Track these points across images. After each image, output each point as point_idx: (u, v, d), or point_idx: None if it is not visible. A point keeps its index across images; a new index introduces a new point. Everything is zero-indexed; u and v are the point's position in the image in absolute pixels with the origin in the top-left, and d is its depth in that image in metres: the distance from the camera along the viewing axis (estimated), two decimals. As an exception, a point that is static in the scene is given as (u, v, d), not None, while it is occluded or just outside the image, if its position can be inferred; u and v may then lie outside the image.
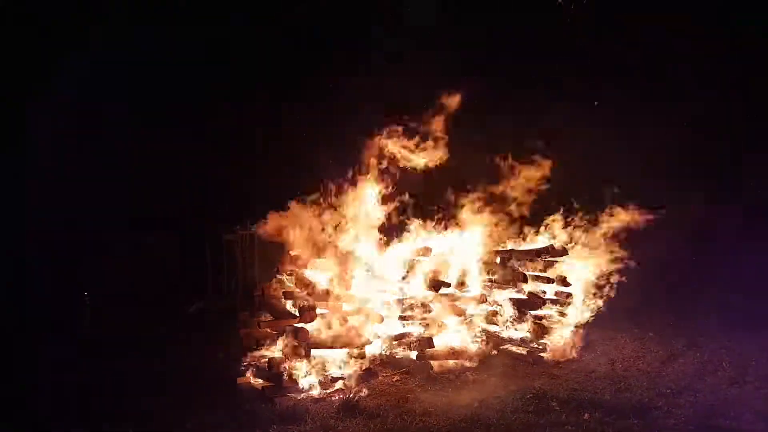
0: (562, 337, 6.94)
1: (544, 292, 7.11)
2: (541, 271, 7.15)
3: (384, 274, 6.80)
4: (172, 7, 9.58)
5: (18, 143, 8.62)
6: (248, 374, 6.08)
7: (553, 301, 7.06)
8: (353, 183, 6.92)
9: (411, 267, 6.85)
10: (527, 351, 6.75)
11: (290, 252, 6.69)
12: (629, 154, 9.21)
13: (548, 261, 7.10)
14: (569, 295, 7.06)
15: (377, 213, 6.96)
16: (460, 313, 6.75)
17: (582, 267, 7.28)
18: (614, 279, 7.13)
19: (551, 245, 7.15)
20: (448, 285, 6.76)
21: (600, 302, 7.13)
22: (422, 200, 7.67)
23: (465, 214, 7.32)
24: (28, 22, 8.93)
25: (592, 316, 7.15)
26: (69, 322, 7.96)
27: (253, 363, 6.13)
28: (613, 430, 4.77)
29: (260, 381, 5.96)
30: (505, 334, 6.96)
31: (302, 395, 5.76)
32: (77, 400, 5.65)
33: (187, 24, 9.56)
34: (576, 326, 7.07)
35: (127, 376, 6.16)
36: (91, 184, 8.97)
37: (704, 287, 8.67)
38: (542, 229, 7.48)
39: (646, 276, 7.78)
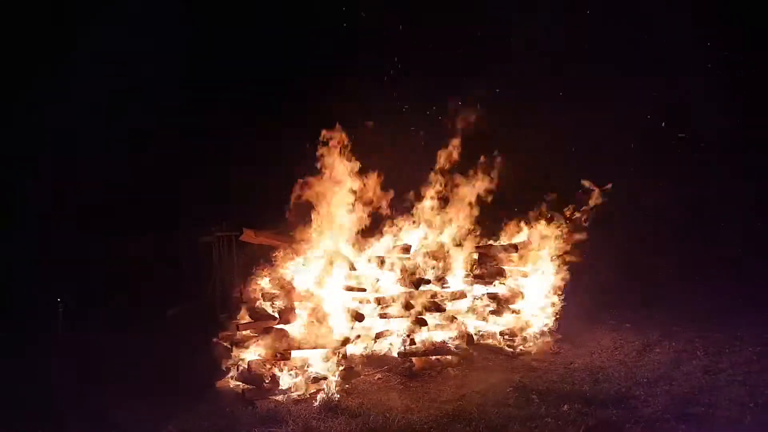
0: (540, 330, 7.02)
1: (522, 287, 7.19)
2: (517, 265, 7.23)
3: (364, 273, 6.78)
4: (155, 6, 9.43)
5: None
6: (228, 377, 6.02)
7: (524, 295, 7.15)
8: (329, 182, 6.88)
9: (390, 265, 6.84)
10: (507, 344, 6.82)
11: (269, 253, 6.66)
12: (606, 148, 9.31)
13: (524, 255, 7.19)
14: (546, 288, 7.14)
15: (355, 212, 6.94)
16: (440, 309, 6.77)
17: (558, 261, 7.40)
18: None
19: (528, 239, 7.23)
20: (428, 282, 6.78)
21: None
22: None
23: (443, 210, 7.35)
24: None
25: (568, 309, 7.25)
26: (45, 325, 7.80)
27: (232, 366, 6.07)
28: (592, 420, 4.83)
29: (240, 384, 5.91)
30: (485, 329, 7.01)
31: (283, 397, 5.72)
32: (54, 404, 5.55)
33: (169, 23, 9.42)
34: (554, 319, 7.15)
35: (104, 380, 6.05)
36: (67, 186, 8.81)
37: (677, 278, 8.83)
38: (519, 225, 7.57)
39: (621, 268, 7.91)
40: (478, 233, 7.50)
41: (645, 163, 9.60)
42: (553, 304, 7.30)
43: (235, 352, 6.13)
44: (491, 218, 7.64)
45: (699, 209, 9.43)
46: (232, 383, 5.97)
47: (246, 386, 5.80)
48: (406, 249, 6.90)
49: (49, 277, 8.33)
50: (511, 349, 6.80)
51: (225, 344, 6.19)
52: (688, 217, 9.46)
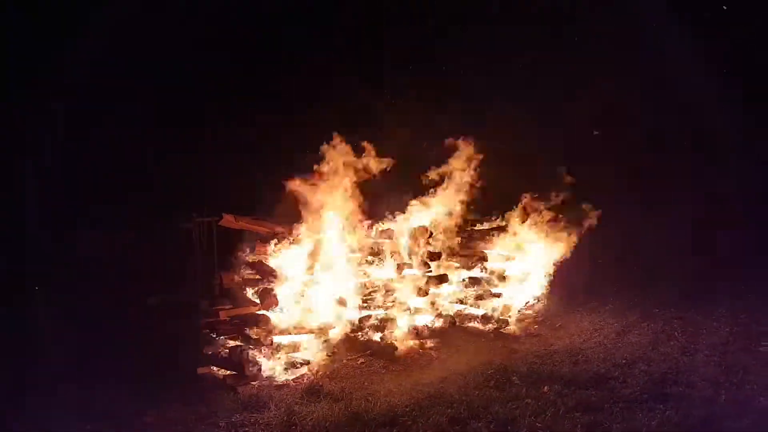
0: (520, 313, 7.08)
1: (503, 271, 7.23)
2: (499, 249, 7.27)
3: (346, 258, 6.75)
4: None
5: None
6: (209, 364, 5.99)
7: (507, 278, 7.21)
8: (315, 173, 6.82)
9: (373, 250, 6.83)
10: (488, 328, 6.86)
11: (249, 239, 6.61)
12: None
13: (505, 239, 7.23)
14: (527, 272, 7.20)
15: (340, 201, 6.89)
16: (423, 293, 6.79)
17: (540, 245, 7.45)
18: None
19: (507, 222, 7.27)
20: (410, 266, 6.78)
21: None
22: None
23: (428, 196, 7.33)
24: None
25: (549, 292, 7.31)
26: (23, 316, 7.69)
27: (214, 352, 6.04)
28: (571, 401, 4.88)
29: (222, 370, 5.89)
30: (466, 312, 7.05)
31: (265, 382, 5.72)
32: (32, 395, 5.48)
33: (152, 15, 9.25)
34: (535, 302, 7.21)
35: (85, 369, 5.99)
36: (46, 179, 8.65)
37: (658, 260, 8.90)
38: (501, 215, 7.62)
39: (601, 251, 7.97)
40: (461, 218, 7.52)
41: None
42: (534, 288, 7.36)
43: (217, 338, 6.10)
44: (475, 204, 7.65)
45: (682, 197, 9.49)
46: (214, 370, 5.94)
47: (227, 372, 5.78)
48: (389, 234, 6.88)
49: (26, 267, 8.20)
50: (492, 332, 6.84)
51: (206, 331, 6.15)
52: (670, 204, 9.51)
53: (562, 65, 9.66)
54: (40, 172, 8.61)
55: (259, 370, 5.78)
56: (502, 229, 7.50)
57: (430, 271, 7.00)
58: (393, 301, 6.68)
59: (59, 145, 8.78)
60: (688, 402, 4.82)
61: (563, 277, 7.53)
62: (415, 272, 6.87)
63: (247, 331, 5.98)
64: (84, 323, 7.26)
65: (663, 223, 9.22)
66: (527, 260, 7.52)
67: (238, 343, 5.99)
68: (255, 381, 5.69)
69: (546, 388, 5.18)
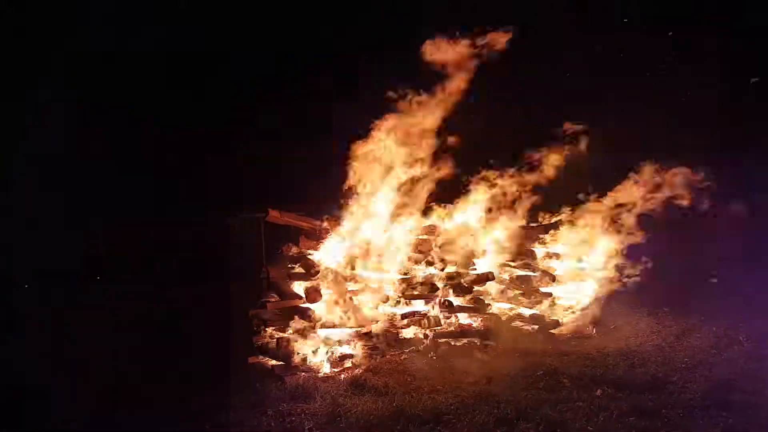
0: (574, 313, 6.85)
1: (554, 269, 7.02)
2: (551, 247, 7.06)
3: (391, 254, 6.70)
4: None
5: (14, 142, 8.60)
6: (259, 354, 6.08)
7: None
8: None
9: (418, 246, 6.75)
10: (538, 328, 6.66)
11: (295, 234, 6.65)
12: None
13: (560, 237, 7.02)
14: (581, 272, 6.96)
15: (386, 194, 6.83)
16: (467, 291, 6.65)
17: (595, 245, 7.20)
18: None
19: (559, 220, 7.04)
20: (455, 263, 6.66)
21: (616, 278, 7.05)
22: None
23: (474, 191, 7.20)
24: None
25: (606, 293, 7.05)
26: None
27: (262, 343, 6.12)
28: (625, 406, 4.66)
29: (270, 360, 5.95)
30: (515, 312, 6.87)
31: (311, 374, 5.75)
32: (84, 380, 5.67)
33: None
34: (589, 302, 6.97)
35: (135, 358, 6.17)
36: (100, 181, 8.99)
37: (721, 263, 8.48)
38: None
39: (660, 254, 7.62)
40: (512, 215, 7.34)
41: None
42: (589, 288, 7.11)
43: (265, 329, 6.18)
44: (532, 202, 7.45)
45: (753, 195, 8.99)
46: (262, 360, 6.02)
47: (275, 363, 5.84)
48: (432, 230, 6.78)
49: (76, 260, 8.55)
50: (542, 333, 6.63)
51: (255, 322, 6.24)
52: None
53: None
54: (86, 169, 8.95)
55: (305, 361, 5.81)
56: (556, 227, 7.27)
57: (475, 268, 6.86)
58: (436, 298, 6.56)
59: (107, 142, 9.08)
60: (753, 410, 4.53)
61: (619, 278, 7.23)
62: (460, 269, 6.73)
63: (293, 323, 6.02)
64: (138, 315, 7.51)
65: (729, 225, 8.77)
66: (582, 259, 7.27)
67: (284, 334, 6.04)
68: (301, 372, 5.72)
69: (599, 391, 4.97)
